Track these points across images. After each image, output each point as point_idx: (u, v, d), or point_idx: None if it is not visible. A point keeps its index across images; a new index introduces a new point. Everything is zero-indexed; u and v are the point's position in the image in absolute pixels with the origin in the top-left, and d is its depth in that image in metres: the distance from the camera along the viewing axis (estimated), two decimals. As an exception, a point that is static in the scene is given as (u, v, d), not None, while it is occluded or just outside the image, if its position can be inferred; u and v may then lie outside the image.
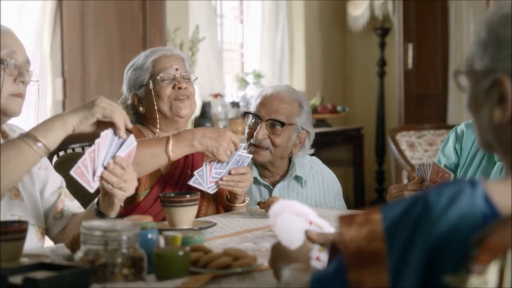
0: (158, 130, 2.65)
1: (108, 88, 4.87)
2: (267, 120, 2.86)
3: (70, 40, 5.06)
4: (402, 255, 1.13)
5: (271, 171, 2.98)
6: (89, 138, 2.93)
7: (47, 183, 2.25)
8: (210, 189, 2.52)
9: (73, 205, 2.27)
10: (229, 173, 2.50)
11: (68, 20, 5.03)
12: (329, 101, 6.74)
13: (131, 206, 2.51)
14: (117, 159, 1.94)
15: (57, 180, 2.29)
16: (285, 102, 2.89)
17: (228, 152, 2.46)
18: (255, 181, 2.92)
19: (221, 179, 2.49)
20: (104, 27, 4.92)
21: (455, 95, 6.36)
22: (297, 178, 2.97)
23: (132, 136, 2.00)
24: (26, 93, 2.12)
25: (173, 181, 2.59)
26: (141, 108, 2.65)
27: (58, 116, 1.96)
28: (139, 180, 2.51)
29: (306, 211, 1.59)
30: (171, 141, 2.39)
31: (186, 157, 2.62)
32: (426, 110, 6.49)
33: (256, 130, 2.87)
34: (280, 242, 1.56)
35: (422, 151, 5.83)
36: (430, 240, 1.11)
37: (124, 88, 2.72)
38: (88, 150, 1.91)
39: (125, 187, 1.98)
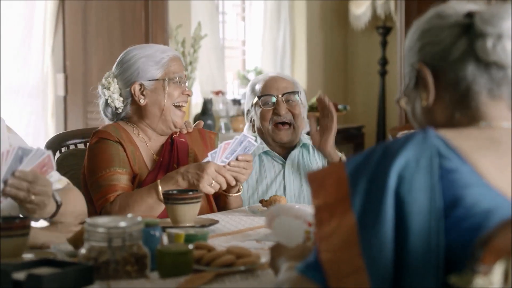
0: (146, 127, 2.60)
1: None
2: (282, 95, 2.95)
3: (72, 36, 5.05)
4: (366, 190, 1.22)
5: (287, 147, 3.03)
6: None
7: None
8: None
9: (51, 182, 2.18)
10: (236, 159, 2.50)
11: (70, 16, 5.03)
12: (330, 100, 6.69)
13: None
14: (17, 173, 1.89)
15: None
16: (286, 80, 3.03)
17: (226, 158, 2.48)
18: (266, 153, 2.98)
19: (229, 164, 2.48)
20: (106, 23, 4.92)
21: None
22: (305, 146, 3.04)
23: (40, 148, 1.95)
24: None
25: (162, 175, 2.53)
26: (142, 100, 2.57)
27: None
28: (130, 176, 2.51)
29: (305, 213, 1.60)
30: (160, 188, 2.40)
31: (171, 151, 2.63)
32: (427, 109, 6.49)
33: (276, 108, 2.94)
34: (278, 243, 1.57)
35: (423, 150, 5.83)
36: (392, 171, 1.20)
37: (121, 71, 2.60)
38: None
39: (36, 200, 1.93)
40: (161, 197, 2.37)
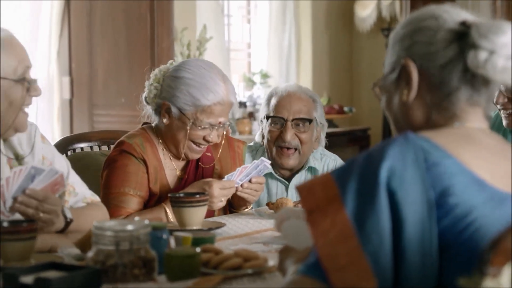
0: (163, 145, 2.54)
1: (115, 87, 4.87)
2: (292, 120, 2.87)
3: (77, 39, 5.06)
4: (357, 188, 1.25)
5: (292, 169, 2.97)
6: (97, 138, 2.92)
7: None
8: None
9: (76, 200, 2.22)
10: (250, 181, 2.50)
11: (76, 19, 5.04)
12: (336, 102, 6.73)
13: None
14: (28, 191, 1.90)
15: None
16: (303, 100, 2.91)
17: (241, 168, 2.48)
18: (271, 176, 2.94)
19: (242, 186, 2.48)
20: (111, 26, 4.92)
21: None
22: (311, 169, 2.98)
23: (52, 168, 1.95)
24: None
25: None
26: (165, 120, 2.47)
27: None
28: (148, 196, 2.48)
29: None
30: (168, 210, 2.38)
31: (196, 170, 2.59)
32: (433, 111, 6.48)
33: (283, 132, 2.87)
34: (287, 246, 1.56)
35: (429, 152, 5.82)
36: (382, 168, 1.24)
37: (167, 80, 2.47)
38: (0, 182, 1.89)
39: (44, 218, 1.92)
40: (170, 217, 2.37)
